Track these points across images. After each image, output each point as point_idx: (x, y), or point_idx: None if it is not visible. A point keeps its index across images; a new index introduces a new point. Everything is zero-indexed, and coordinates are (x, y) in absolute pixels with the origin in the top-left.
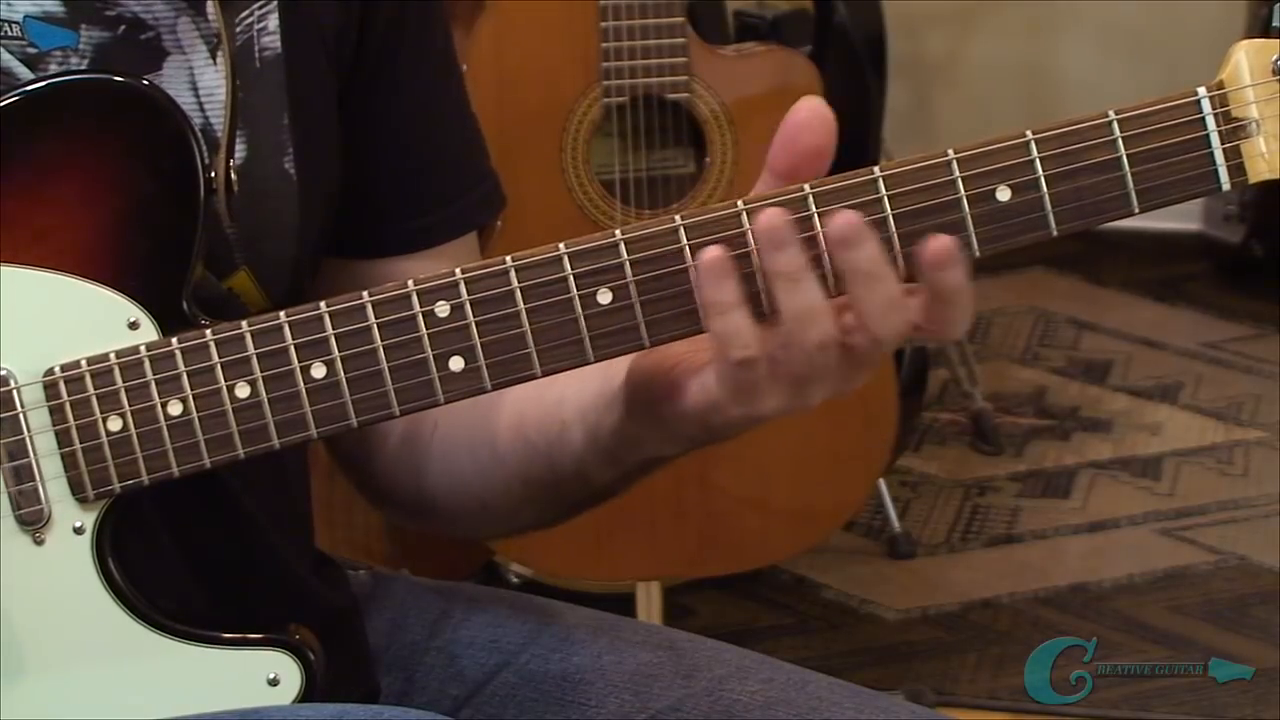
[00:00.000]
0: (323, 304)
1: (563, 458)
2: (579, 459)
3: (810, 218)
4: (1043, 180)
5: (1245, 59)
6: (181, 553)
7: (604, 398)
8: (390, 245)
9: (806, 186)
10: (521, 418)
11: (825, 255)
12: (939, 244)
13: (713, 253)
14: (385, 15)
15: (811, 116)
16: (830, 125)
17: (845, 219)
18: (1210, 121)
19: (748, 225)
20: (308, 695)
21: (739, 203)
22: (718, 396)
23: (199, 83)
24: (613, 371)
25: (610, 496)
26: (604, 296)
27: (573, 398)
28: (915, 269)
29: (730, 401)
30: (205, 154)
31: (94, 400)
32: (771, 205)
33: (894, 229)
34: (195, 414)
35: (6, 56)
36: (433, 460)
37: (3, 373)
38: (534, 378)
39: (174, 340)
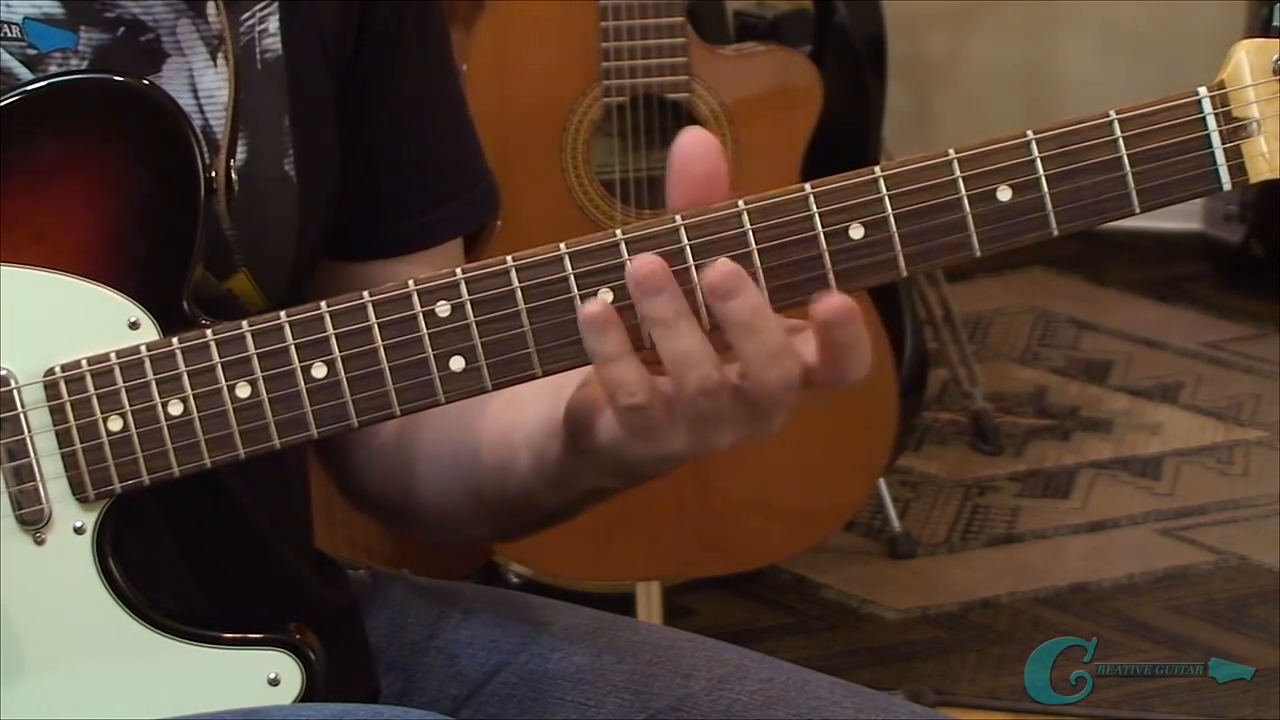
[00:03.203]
0: (323, 304)
1: (510, 480)
2: (525, 483)
3: (810, 218)
4: (1043, 180)
5: (1246, 59)
6: (182, 552)
7: (550, 426)
8: (385, 247)
9: (808, 187)
10: (478, 437)
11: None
12: (830, 304)
13: (592, 307)
14: (383, 16)
15: (695, 143)
16: (716, 148)
17: (722, 268)
18: (1211, 121)
19: (749, 226)
20: (308, 695)
21: (739, 203)
22: (621, 436)
23: (199, 84)
24: (560, 400)
25: (565, 518)
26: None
27: (524, 424)
28: (812, 323)
29: (631, 441)
30: (206, 154)
31: (95, 400)
32: (653, 251)
33: (894, 229)
34: (196, 414)
35: (7, 58)
36: (404, 467)
37: (3, 373)
38: (535, 377)
39: (175, 340)
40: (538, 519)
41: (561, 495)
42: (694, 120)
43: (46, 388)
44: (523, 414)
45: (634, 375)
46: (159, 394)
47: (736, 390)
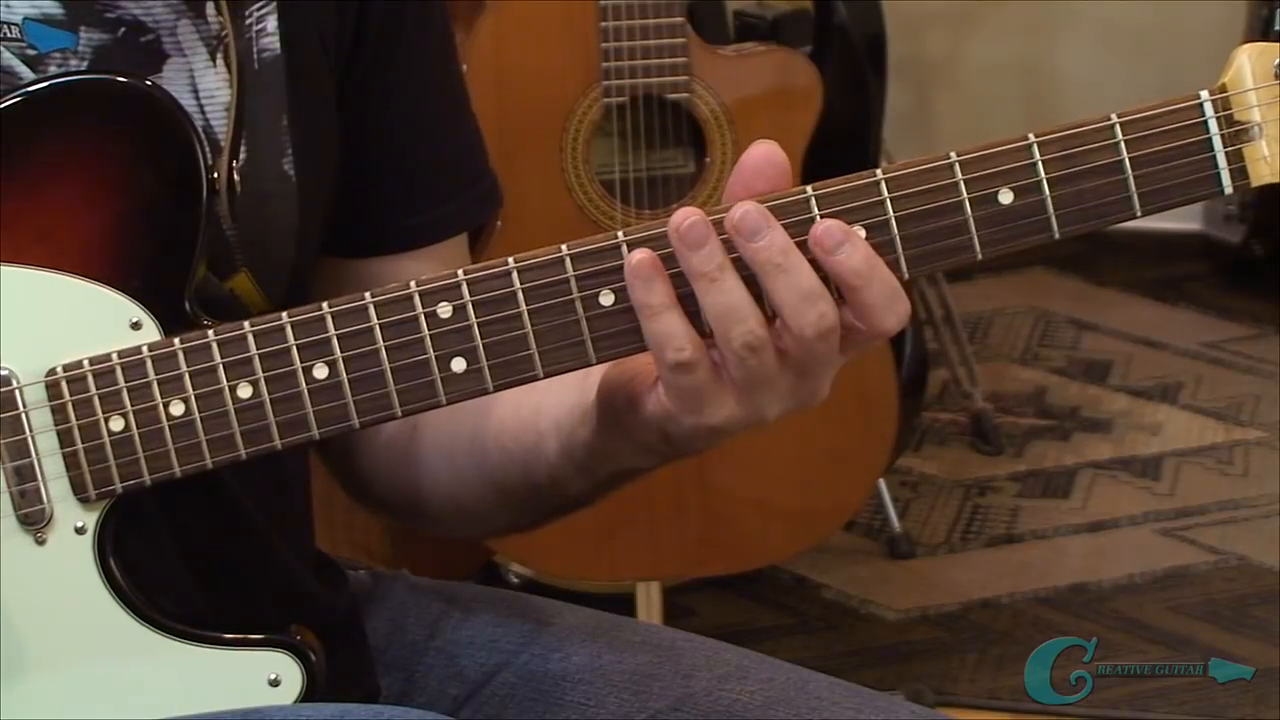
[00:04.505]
0: (325, 305)
1: (537, 466)
2: (553, 469)
3: (812, 220)
4: (1045, 183)
5: (1248, 62)
6: (182, 553)
7: (579, 410)
8: (385, 244)
9: (809, 189)
10: (499, 425)
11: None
12: (820, 227)
13: (640, 254)
14: (382, 13)
15: (765, 160)
16: (785, 170)
17: (745, 208)
18: (1213, 125)
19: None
20: (309, 695)
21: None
22: (669, 405)
23: (199, 85)
24: (588, 384)
25: (584, 505)
26: (606, 298)
27: (549, 409)
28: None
29: (679, 409)
30: (208, 154)
31: (96, 400)
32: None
33: (896, 231)
34: (197, 414)
35: (8, 57)
36: (412, 462)
37: (4, 372)
38: (536, 379)
39: (176, 340)
40: (559, 506)
41: (588, 479)
42: (693, 120)
43: (48, 387)
44: (548, 399)
45: (681, 328)
46: (160, 394)
47: (779, 350)
